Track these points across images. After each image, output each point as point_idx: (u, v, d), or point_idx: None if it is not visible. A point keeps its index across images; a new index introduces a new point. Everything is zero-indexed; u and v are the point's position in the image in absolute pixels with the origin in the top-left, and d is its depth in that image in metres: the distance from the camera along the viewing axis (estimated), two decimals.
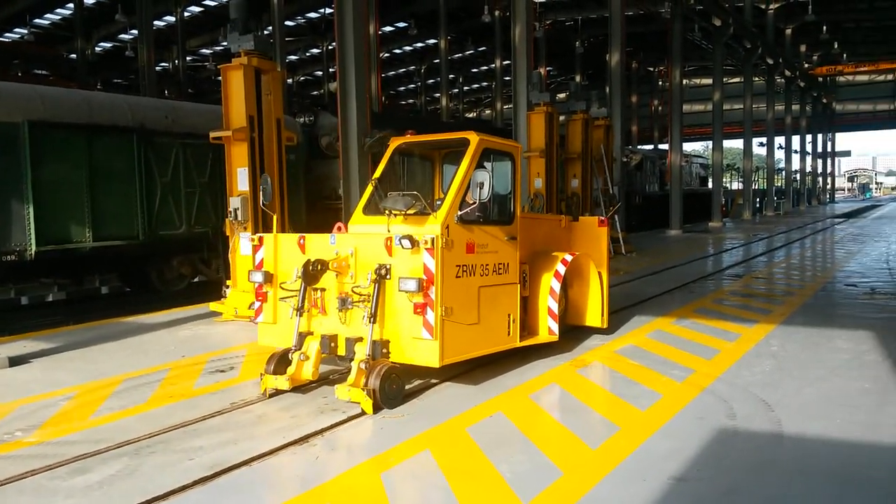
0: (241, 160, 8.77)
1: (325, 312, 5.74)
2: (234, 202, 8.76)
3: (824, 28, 41.33)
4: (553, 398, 5.56)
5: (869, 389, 5.42)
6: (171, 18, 33.93)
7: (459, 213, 5.67)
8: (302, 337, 5.70)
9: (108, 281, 13.65)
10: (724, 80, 31.50)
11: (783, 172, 47.27)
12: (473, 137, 6.16)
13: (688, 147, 51.76)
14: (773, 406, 5.01)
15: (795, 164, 49.56)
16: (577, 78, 42.85)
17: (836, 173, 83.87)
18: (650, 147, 49.75)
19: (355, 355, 5.39)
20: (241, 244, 8.84)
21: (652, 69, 55.74)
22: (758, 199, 42.10)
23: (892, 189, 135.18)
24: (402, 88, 59.32)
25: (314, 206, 16.03)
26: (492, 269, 6.01)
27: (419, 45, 44.93)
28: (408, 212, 5.94)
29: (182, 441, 4.58)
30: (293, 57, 44.66)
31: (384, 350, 5.38)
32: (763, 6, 37.34)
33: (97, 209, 10.82)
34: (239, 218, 8.75)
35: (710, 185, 32.87)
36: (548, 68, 43.14)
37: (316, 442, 4.53)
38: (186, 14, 34.04)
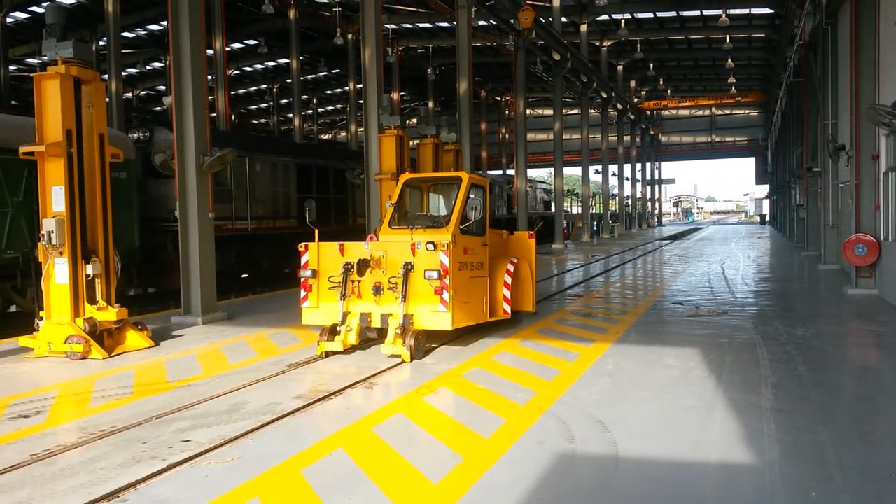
0: (57, 178, 7.89)
1: (361, 297, 7.99)
2: (47, 224, 7.83)
3: (651, 66, 45.14)
4: (506, 361, 7.67)
5: (695, 406, 5.71)
6: None
7: (461, 226, 8.28)
8: (344, 316, 7.91)
9: None
10: (564, 111, 33.36)
11: (617, 198, 50.73)
12: (465, 176, 8.83)
13: (532, 173, 54.42)
14: (610, 427, 5.14)
15: (627, 191, 53.31)
16: (430, 104, 43.64)
17: (664, 199, 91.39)
18: (499, 172, 51.58)
19: (389, 325, 7.71)
20: (57, 271, 7.92)
21: (500, 98, 58.03)
22: (595, 223, 44.81)
23: (711, 213, 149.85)
24: (255, 107, 57.55)
25: (154, 228, 14.96)
26: (475, 266, 8.56)
27: (271, 63, 43.82)
28: (427, 226, 8.63)
29: None
30: (133, 70, 42.02)
31: (411, 321, 7.72)
32: (598, 43, 40.10)
33: None
34: (53, 241, 7.82)
35: (552, 209, 34.48)
36: (401, 93, 43.61)
37: (374, 382, 6.89)
38: (10, 20, 30.95)
